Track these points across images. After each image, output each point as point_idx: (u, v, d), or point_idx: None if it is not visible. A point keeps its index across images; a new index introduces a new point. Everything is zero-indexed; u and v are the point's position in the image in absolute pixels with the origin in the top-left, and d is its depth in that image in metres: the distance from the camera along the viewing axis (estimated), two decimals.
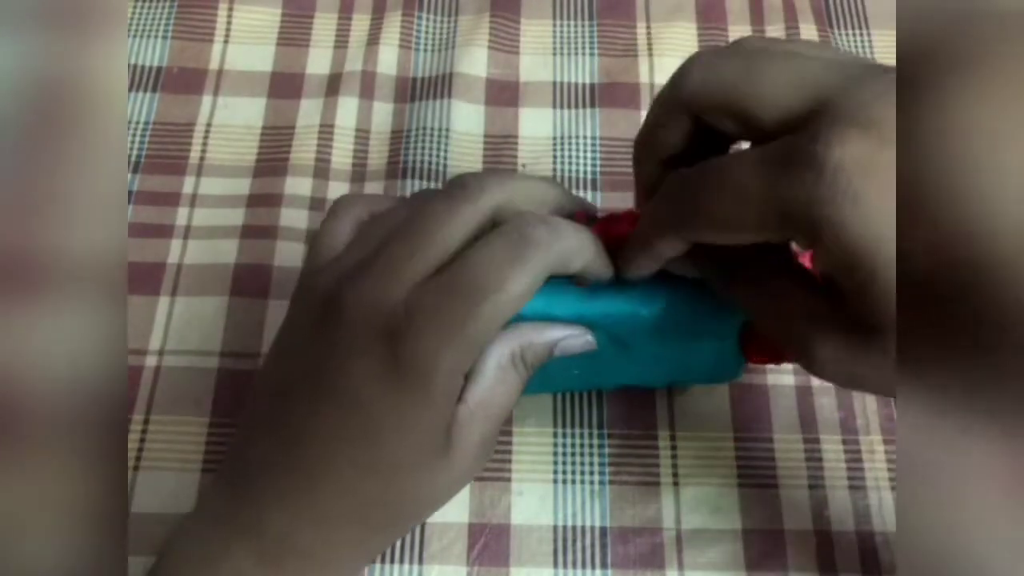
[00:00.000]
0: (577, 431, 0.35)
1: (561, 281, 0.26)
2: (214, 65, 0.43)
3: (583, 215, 0.28)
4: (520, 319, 0.26)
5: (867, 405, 0.35)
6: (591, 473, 0.34)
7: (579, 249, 0.26)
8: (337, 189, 0.40)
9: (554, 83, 0.43)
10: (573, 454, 0.34)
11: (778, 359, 0.31)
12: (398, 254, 0.25)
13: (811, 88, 0.21)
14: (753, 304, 0.25)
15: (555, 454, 0.34)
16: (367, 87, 0.42)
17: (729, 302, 0.27)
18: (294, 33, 0.44)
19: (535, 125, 0.42)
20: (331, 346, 0.25)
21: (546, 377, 0.28)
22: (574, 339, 0.27)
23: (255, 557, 0.25)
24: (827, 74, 0.21)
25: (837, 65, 0.22)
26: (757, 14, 0.45)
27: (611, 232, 0.27)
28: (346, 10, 0.45)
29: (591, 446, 0.34)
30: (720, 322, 0.29)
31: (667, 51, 0.44)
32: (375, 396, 0.24)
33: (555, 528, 0.33)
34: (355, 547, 0.27)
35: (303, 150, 0.40)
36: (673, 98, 0.25)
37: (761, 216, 0.21)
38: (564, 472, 0.34)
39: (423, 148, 0.40)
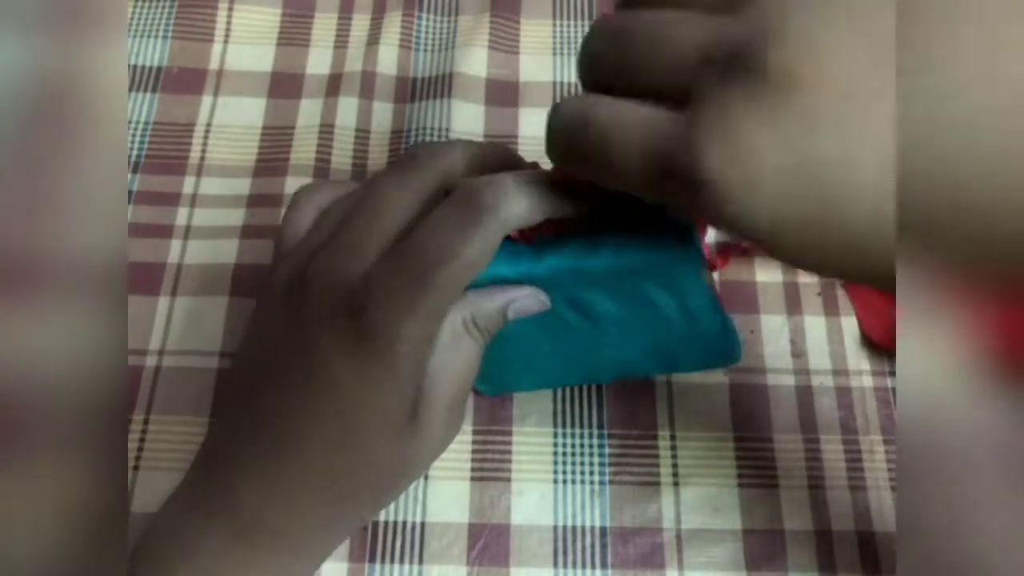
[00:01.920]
0: (577, 431, 0.35)
1: (507, 244, 0.26)
2: (214, 65, 0.43)
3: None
4: (471, 286, 0.26)
5: (867, 405, 0.35)
6: (591, 473, 0.34)
7: (535, 205, 0.25)
8: None
9: (554, 83, 0.43)
10: (573, 454, 0.34)
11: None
12: (356, 230, 0.25)
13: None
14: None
15: (555, 454, 0.34)
16: (367, 87, 0.42)
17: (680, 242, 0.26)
18: (294, 33, 0.44)
19: (535, 125, 0.42)
20: (297, 325, 0.25)
21: (542, 374, 0.28)
22: (526, 299, 0.27)
23: (229, 536, 0.26)
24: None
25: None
26: None
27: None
28: (346, 10, 0.45)
29: (591, 446, 0.34)
30: (665, 263, 0.27)
31: None
32: (342, 370, 0.25)
33: (555, 528, 0.33)
34: (326, 523, 0.27)
35: (303, 150, 0.40)
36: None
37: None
38: (564, 472, 0.34)
39: None
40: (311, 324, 0.25)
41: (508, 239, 0.26)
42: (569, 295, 0.28)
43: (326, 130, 0.41)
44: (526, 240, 0.27)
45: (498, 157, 0.28)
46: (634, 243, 0.27)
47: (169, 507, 0.28)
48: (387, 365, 0.24)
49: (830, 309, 0.37)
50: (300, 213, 0.28)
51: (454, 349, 0.26)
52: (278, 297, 0.27)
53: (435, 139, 0.40)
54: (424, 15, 0.45)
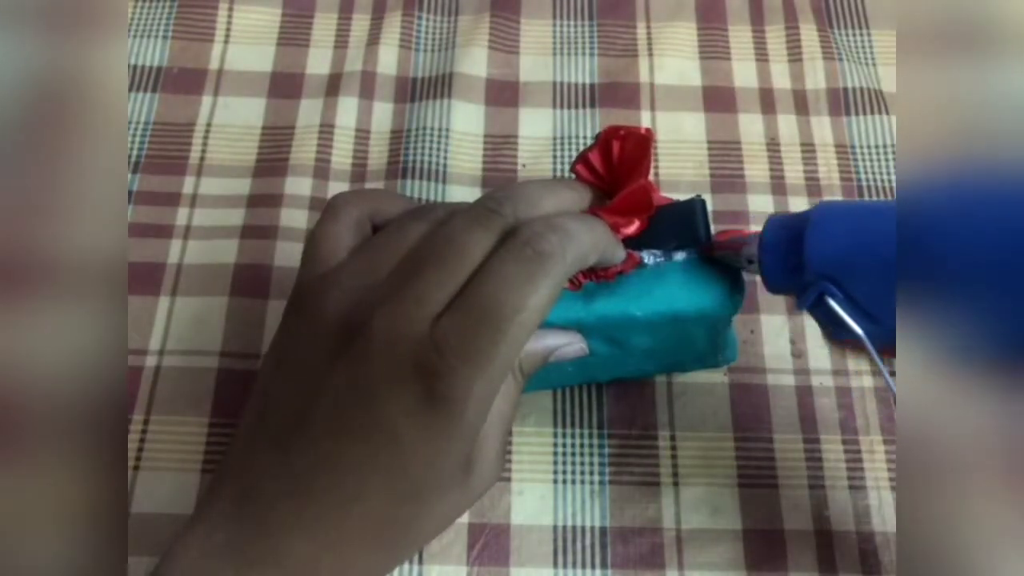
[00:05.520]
0: (577, 431, 0.35)
1: None
2: (214, 65, 0.43)
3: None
4: None
5: (867, 405, 0.35)
6: (591, 473, 0.34)
7: (592, 246, 0.26)
8: (337, 189, 0.40)
9: (554, 83, 0.43)
10: (573, 454, 0.34)
11: None
12: (426, 280, 0.24)
13: None
14: None
15: (555, 454, 0.34)
16: (367, 87, 0.42)
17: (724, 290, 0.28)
18: (294, 33, 0.44)
19: (535, 125, 0.42)
20: (358, 379, 0.24)
21: (543, 375, 0.28)
22: (569, 347, 0.28)
23: None
24: None
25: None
26: (757, 14, 0.45)
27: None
28: (346, 10, 0.45)
29: (591, 446, 0.34)
30: (715, 314, 0.29)
31: (667, 51, 0.44)
32: (408, 429, 0.24)
33: (555, 528, 0.33)
34: (377, 569, 0.27)
35: (303, 150, 0.40)
36: None
37: None
38: (564, 472, 0.34)
39: (423, 148, 0.40)
40: (374, 378, 0.24)
41: None
42: (609, 335, 0.29)
43: (326, 130, 0.41)
44: (574, 286, 0.27)
45: (575, 200, 0.28)
46: (683, 290, 0.28)
47: (190, 549, 0.25)
48: (455, 425, 0.24)
49: None
50: (338, 226, 0.27)
51: (503, 396, 0.26)
52: (326, 337, 0.25)
53: (435, 139, 0.40)
54: (424, 15, 0.45)
